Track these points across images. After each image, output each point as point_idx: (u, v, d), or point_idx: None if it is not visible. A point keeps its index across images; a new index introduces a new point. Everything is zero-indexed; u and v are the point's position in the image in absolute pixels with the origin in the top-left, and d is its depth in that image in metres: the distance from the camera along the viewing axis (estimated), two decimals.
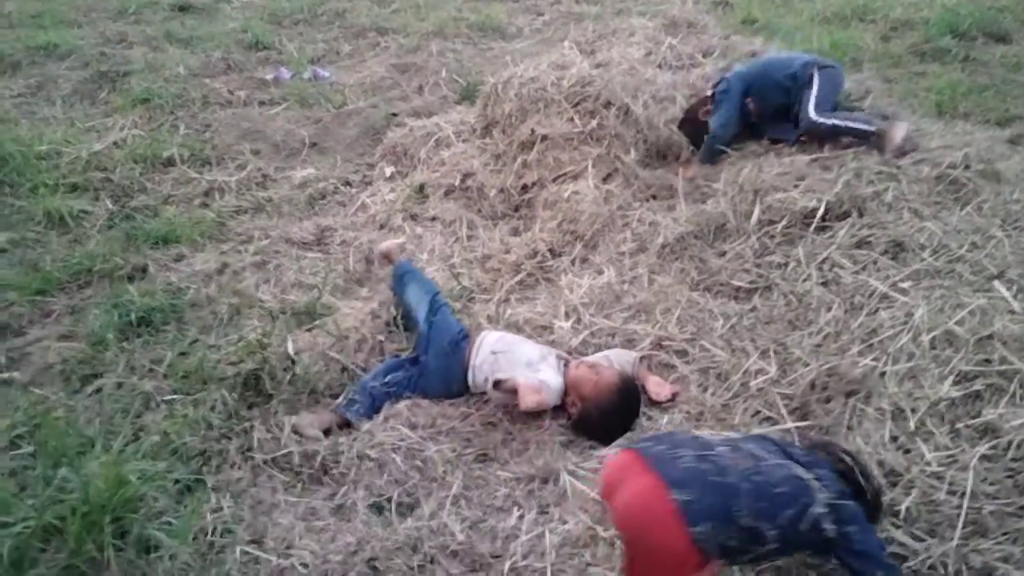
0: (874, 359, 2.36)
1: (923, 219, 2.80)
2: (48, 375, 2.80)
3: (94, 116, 4.84)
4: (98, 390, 2.69)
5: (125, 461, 2.27)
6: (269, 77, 5.58)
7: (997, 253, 2.59)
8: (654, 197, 3.52)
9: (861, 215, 2.93)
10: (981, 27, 5.61)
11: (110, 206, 3.86)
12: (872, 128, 3.26)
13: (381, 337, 2.86)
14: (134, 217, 3.79)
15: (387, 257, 3.27)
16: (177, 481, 2.31)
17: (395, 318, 2.90)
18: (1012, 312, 2.37)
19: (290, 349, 2.73)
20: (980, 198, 2.88)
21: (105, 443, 2.40)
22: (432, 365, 2.70)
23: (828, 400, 2.36)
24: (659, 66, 4.14)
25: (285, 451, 2.39)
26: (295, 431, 2.48)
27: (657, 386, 2.57)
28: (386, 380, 2.67)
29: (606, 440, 2.44)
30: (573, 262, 3.29)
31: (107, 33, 6.35)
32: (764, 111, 3.60)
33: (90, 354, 2.86)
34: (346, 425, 2.55)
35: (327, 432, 2.52)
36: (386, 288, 3.22)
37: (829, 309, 2.61)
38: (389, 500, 2.27)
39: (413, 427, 2.48)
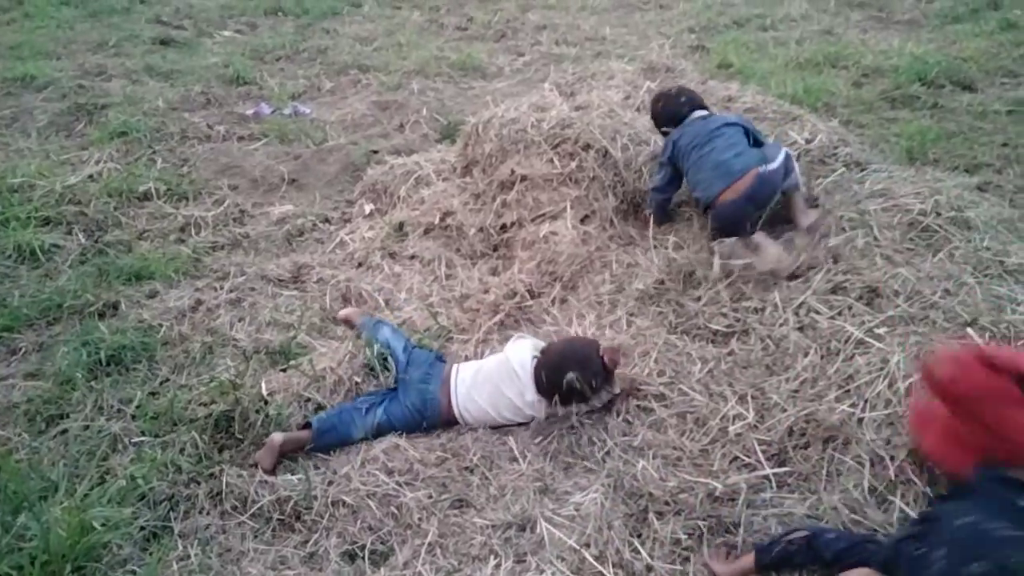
0: (851, 405, 2.37)
1: (896, 265, 2.83)
2: (12, 415, 2.72)
3: (70, 149, 4.79)
4: (64, 431, 2.63)
5: (89, 507, 2.22)
6: (249, 112, 5.58)
7: (969, 300, 2.62)
8: (631, 241, 3.55)
9: (836, 261, 2.97)
10: (948, 75, 5.76)
11: (83, 241, 3.81)
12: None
13: (358, 379, 2.81)
14: (107, 252, 3.74)
15: (348, 322, 3.23)
16: (143, 528, 2.25)
17: (373, 359, 2.86)
18: None
19: (263, 390, 2.69)
20: (951, 245, 2.92)
21: (69, 487, 2.34)
22: (412, 376, 2.72)
23: (806, 446, 2.37)
24: (637, 109, 4.18)
25: (256, 497, 2.34)
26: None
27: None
28: (358, 398, 2.72)
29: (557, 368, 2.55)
30: (552, 303, 3.29)
31: (86, 65, 6.34)
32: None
33: (57, 394, 2.80)
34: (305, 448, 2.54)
35: (286, 450, 2.52)
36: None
37: (806, 354, 2.62)
38: (362, 548, 2.22)
39: (389, 472, 2.44)
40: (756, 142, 3.33)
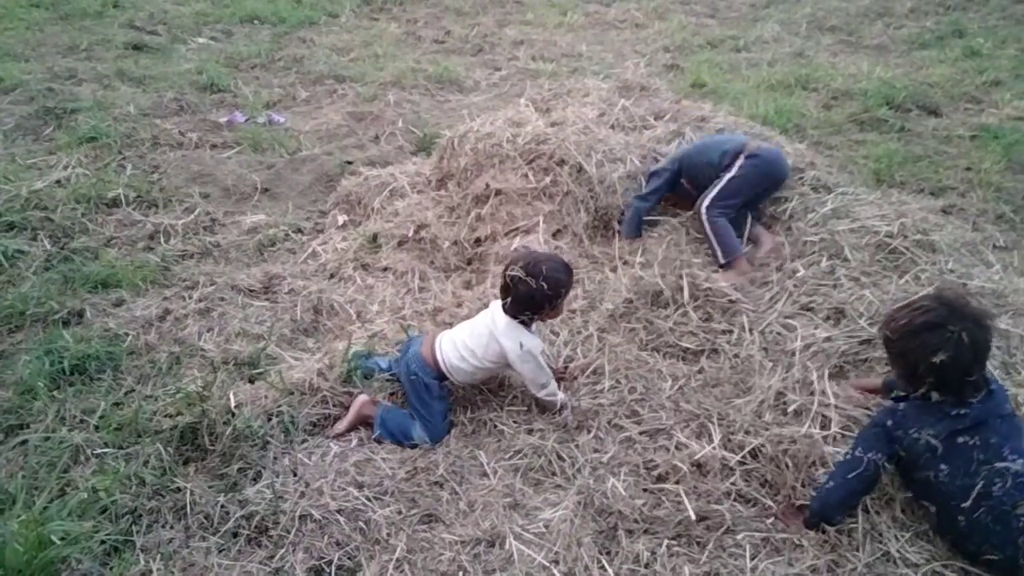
0: (821, 426, 2.41)
1: (862, 287, 2.89)
2: None
3: (37, 153, 4.70)
4: (23, 442, 2.56)
5: (48, 520, 2.16)
6: (223, 120, 5.53)
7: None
8: (600, 258, 3.57)
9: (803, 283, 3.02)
10: (915, 100, 5.91)
11: (48, 247, 3.73)
12: (722, 261, 3.24)
13: (327, 392, 2.78)
14: (73, 259, 3.67)
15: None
16: (103, 542, 2.20)
17: (348, 372, 2.84)
18: None
19: (231, 402, 2.65)
20: (918, 267, 2.99)
21: (27, 500, 2.28)
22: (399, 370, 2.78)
23: (776, 463, 2.39)
24: (612, 127, 4.23)
25: (221, 511, 2.30)
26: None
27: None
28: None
29: None
30: None
31: (56, 69, 6.23)
32: (700, 190, 3.50)
33: (17, 403, 2.73)
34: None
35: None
36: (334, 340, 3.17)
37: (773, 373, 2.65)
38: (329, 564, 2.19)
39: (360, 486, 2.42)
40: None
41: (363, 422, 2.70)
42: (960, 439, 2.05)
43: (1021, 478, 1.98)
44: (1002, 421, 2.06)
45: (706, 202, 3.35)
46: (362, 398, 2.72)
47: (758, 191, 3.38)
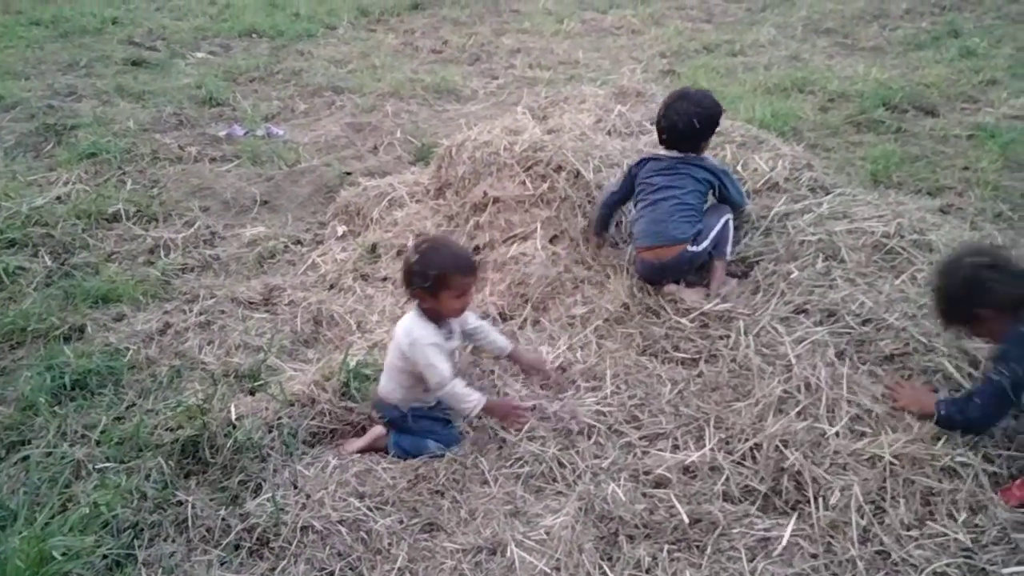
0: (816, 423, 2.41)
1: (856, 287, 2.89)
2: None
3: (37, 169, 4.74)
4: (25, 458, 2.57)
5: (50, 535, 2.17)
6: (222, 134, 5.56)
7: (926, 323, 2.69)
8: (595, 263, 3.57)
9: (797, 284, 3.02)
10: (911, 101, 5.92)
11: (49, 263, 3.76)
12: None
13: (327, 404, 2.79)
14: (74, 275, 3.69)
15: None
16: (105, 556, 2.20)
17: (345, 384, 2.85)
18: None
19: (232, 414, 2.66)
20: (914, 267, 2.99)
21: (29, 516, 2.28)
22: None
23: (780, 469, 2.39)
24: (608, 133, 4.24)
25: (223, 524, 2.31)
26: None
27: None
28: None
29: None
30: (523, 325, 3.29)
31: (56, 86, 6.28)
32: None
33: (19, 419, 2.74)
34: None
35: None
36: (334, 350, 3.18)
37: (771, 379, 2.65)
38: (331, 574, 2.19)
39: (360, 496, 2.42)
40: (721, 196, 3.28)
41: (375, 449, 2.71)
42: None
43: None
44: None
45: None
46: (379, 430, 2.73)
47: (651, 283, 3.28)
